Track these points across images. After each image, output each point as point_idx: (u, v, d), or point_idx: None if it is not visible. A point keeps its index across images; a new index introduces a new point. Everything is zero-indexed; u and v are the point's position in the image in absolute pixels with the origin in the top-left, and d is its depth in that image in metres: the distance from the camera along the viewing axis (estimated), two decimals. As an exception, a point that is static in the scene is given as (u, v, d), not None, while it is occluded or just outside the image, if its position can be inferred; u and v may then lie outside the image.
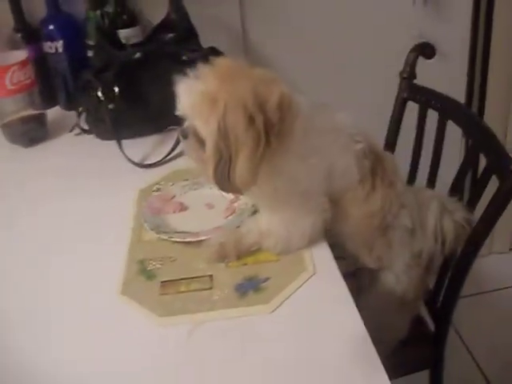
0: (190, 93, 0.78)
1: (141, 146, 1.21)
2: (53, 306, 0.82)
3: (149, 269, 0.87)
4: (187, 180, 1.05)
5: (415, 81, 1.26)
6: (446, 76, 1.68)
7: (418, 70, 1.58)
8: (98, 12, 1.32)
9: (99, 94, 1.16)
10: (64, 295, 0.84)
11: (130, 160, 1.15)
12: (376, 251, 0.93)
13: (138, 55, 1.23)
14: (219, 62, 0.80)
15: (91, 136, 1.30)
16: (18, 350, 0.75)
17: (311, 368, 0.68)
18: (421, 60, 1.69)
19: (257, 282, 0.82)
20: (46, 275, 0.88)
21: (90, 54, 1.42)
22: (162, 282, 0.84)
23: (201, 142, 0.79)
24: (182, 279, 0.84)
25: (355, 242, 0.92)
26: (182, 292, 0.82)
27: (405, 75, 1.24)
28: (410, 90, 1.23)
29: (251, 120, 0.73)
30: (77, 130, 1.32)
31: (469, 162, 1.04)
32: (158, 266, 0.87)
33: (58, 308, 0.82)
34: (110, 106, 1.17)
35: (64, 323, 0.79)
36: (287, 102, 0.76)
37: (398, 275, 0.97)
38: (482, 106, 1.82)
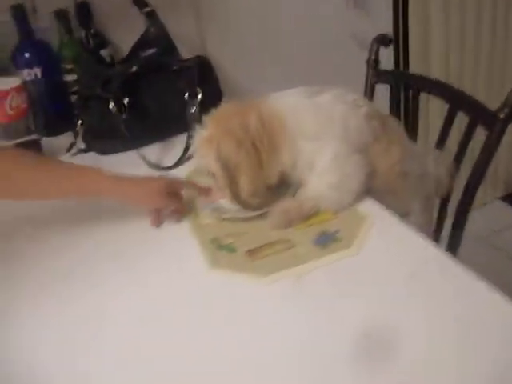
0: (197, 141, 1.00)
1: (152, 153, 1.27)
2: (160, 303, 0.86)
3: (225, 244, 0.95)
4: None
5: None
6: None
7: (351, 66, 1.81)
8: (83, 33, 1.36)
9: (111, 106, 1.21)
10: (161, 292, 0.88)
11: (151, 164, 1.21)
12: (400, 196, 1.08)
13: (134, 69, 1.30)
14: (218, 109, 1.00)
15: (90, 154, 1.34)
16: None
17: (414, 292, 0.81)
18: (352, 57, 1.92)
19: (331, 234, 0.93)
20: (143, 281, 0.91)
21: (68, 77, 1.47)
22: (246, 252, 0.92)
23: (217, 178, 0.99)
24: (263, 245, 0.93)
25: (383, 192, 1.05)
26: (270, 254, 0.91)
27: (371, 62, 1.42)
28: (378, 75, 1.42)
29: (239, 143, 0.94)
30: (74, 150, 1.35)
31: (449, 122, 1.23)
32: (233, 240, 0.96)
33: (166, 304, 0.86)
34: (124, 117, 1.22)
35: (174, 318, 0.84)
36: (266, 120, 0.96)
37: (418, 218, 1.13)
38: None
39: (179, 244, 0.98)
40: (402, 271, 0.83)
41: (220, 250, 0.94)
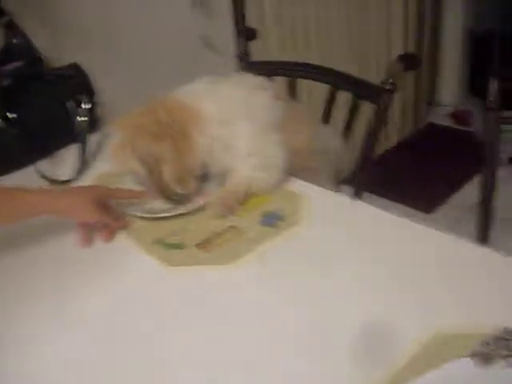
0: (111, 150, 1.00)
1: (44, 169, 1.17)
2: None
3: (171, 242, 0.91)
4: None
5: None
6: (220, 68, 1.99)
7: (196, 66, 1.86)
8: None
9: (-5, 122, 1.09)
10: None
11: (50, 179, 1.11)
12: (315, 174, 1.14)
13: (7, 82, 1.18)
14: (122, 115, 1.00)
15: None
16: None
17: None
18: (198, 55, 1.96)
19: (273, 214, 0.95)
20: (102, 297, 0.85)
21: None
22: (196, 246, 0.90)
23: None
24: (210, 237, 0.91)
25: (298, 170, 1.09)
26: (222, 244, 0.90)
27: (240, 56, 1.47)
28: (250, 68, 1.47)
29: (153, 136, 0.94)
30: None
31: (331, 100, 1.33)
32: (178, 237, 0.92)
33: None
34: (14, 131, 1.10)
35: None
36: (174, 110, 0.96)
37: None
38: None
39: (122, 252, 0.91)
40: (353, 236, 0.89)
41: (168, 249, 0.90)
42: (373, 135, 1.24)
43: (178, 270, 0.86)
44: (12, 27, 1.30)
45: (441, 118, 3.08)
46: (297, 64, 1.41)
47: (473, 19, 3.05)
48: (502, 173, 1.21)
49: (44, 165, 1.15)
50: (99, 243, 0.93)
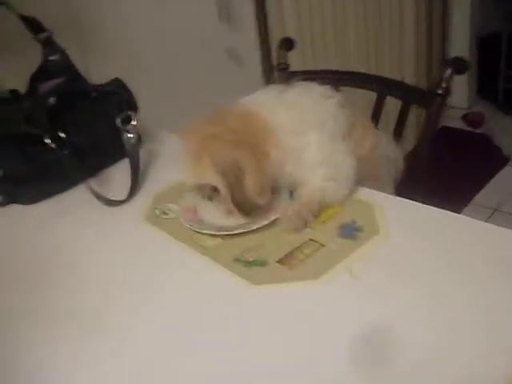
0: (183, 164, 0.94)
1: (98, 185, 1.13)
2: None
3: (252, 259, 0.88)
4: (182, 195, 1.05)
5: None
6: (244, 79, 1.97)
7: (221, 77, 1.84)
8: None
9: (47, 141, 1.04)
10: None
11: (103, 198, 1.07)
12: (381, 181, 1.11)
13: (52, 100, 1.14)
14: (187, 126, 0.95)
15: (12, 207, 1.13)
16: None
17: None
18: (225, 69, 1.94)
19: (350, 225, 0.92)
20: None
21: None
22: (277, 262, 0.86)
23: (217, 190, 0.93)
24: (290, 252, 0.88)
25: (365, 178, 1.06)
26: (305, 259, 0.86)
27: (281, 67, 1.44)
28: (292, 78, 1.44)
29: (231, 145, 0.89)
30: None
31: (378, 107, 1.31)
32: (255, 254, 0.89)
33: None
34: (66, 152, 1.05)
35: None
36: (246, 120, 0.92)
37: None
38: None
39: (199, 270, 0.88)
40: (438, 245, 0.86)
41: (248, 266, 0.86)
42: (427, 140, 1.22)
43: (262, 288, 0.82)
44: (50, 43, 1.26)
45: (453, 121, 3.08)
46: (338, 72, 1.39)
47: (480, 21, 3.06)
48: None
49: (96, 183, 1.11)
50: (171, 262, 0.90)
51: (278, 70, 1.45)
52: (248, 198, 0.91)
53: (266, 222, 0.93)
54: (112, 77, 1.40)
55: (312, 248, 0.88)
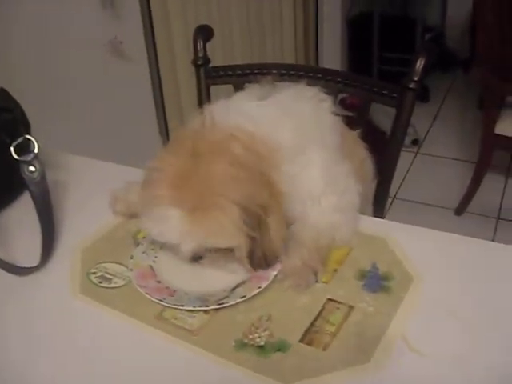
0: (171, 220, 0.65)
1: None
2: None
3: (263, 343, 0.62)
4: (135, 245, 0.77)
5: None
6: (131, 72, 1.68)
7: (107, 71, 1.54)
8: None
9: None
10: None
11: (11, 266, 0.73)
12: (366, 196, 0.91)
13: None
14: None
15: None
16: None
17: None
18: (108, 61, 1.62)
19: (374, 273, 0.71)
20: None
21: None
22: (302, 342, 0.62)
23: (221, 251, 0.68)
24: (312, 324, 0.64)
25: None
26: (336, 332, 0.63)
27: (200, 62, 1.17)
28: (212, 74, 1.17)
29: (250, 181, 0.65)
30: None
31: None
32: (266, 333, 0.63)
33: None
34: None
35: None
36: (249, 145, 0.68)
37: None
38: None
39: (190, 365, 0.61)
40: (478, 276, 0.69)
41: (264, 354, 0.61)
42: (399, 143, 1.05)
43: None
44: None
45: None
46: (277, 65, 1.16)
47: (349, 3, 3.01)
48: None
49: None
50: (137, 361, 0.62)
51: (196, 65, 1.17)
52: (273, 249, 0.68)
53: (267, 282, 0.68)
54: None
55: (339, 313, 0.66)
